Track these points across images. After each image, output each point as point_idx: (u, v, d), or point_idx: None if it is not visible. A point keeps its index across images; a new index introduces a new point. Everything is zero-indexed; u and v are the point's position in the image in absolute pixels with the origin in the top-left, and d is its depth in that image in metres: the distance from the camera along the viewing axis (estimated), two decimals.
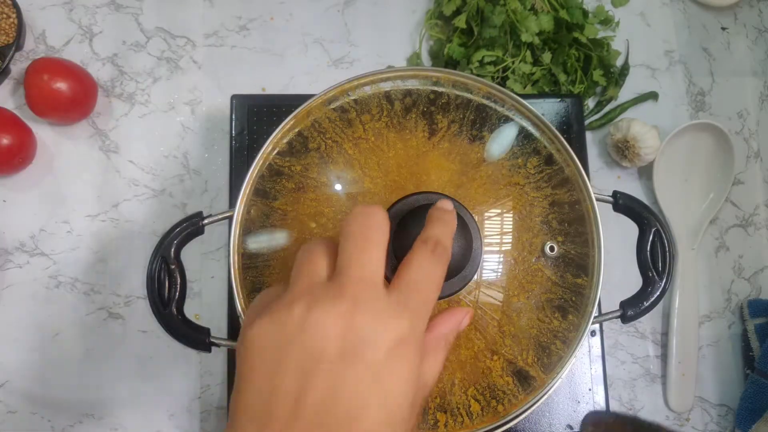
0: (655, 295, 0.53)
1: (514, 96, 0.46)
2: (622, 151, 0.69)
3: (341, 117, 0.46)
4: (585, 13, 0.71)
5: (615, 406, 0.67)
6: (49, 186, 0.67)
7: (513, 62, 0.68)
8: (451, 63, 0.70)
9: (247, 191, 0.45)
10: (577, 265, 0.46)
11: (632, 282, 0.52)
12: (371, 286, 0.27)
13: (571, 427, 0.60)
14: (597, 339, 0.62)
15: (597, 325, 0.61)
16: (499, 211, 0.45)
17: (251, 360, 0.27)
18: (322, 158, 0.46)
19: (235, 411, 0.27)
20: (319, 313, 0.26)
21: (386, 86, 0.47)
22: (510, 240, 0.45)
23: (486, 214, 0.45)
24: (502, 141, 0.47)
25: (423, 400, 0.29)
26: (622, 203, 0.55)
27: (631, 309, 0.52)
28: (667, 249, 0.53)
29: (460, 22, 0.69)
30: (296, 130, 0.46)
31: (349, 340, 0.26)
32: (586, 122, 0.72)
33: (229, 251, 0.44)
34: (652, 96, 0.74)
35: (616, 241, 0.61)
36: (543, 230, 0.46)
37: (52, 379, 0.64)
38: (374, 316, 0.26)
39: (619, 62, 0.74)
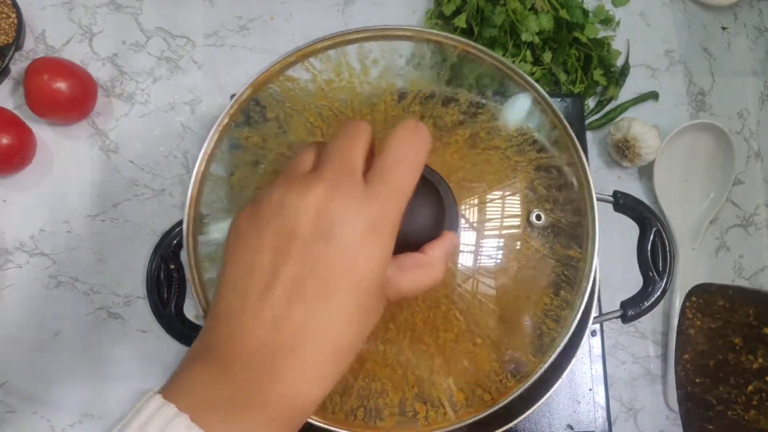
0: (656, 295, 0.53)
1: (493, 54, 0.43)
2: (622, 151, 0.69)
3: (302, 83, 0.43)
4: (585, 13, 0.71)
5: (615, 406, 0.67)
6: (49, 186, 0.67)
7: (513, 62, 0.68)
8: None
9: (202, 168, 0.42)
10: (569, 235, 0.42)
11: (632, 282, 0.52)
12: (348, 173, 0.28)
13: (571, 427, 0.60)
14: (597, 339, 0.61)
15: (597, 325, 0.61)
16: (477, 177, 0.42)
17: (235, 242, 0.29)
18: (281, 128, 0.42)
19: (219, 286, 0.29)
20: (294, 196, 0.28)
21: (352, 49, 0.43)
22: (491, 209, 0.41)
23: (463, 181, 0.41)
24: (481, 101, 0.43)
25: (391, 299, 0.31)
26: (623, 203, 0.55)
27: (631, 309, 0.52)
28: (667, 249, 0.53)
29: (460, 21, 0.68)
30: (254, 99, 0.42)
31: (323, 221, 0.27)
32: (586, 122, 0.72)
33: (183, 235, 0.41)
34: (652, 96, 0.74)
35: (616, 240, 0.61)
36: (528, 197, 0.42)
37: (52, 379, 0.64)
38: (347, 200, 0.28)
39: (619, 62, 0.74)
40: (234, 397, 0.26)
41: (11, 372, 0.64)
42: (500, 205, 0.41)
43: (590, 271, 0.41)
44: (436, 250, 0.33)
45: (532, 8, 0.68)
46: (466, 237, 0.40)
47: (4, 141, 0.62)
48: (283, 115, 0.42)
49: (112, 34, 0.71)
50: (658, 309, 0.69)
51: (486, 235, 0.41)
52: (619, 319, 0.55)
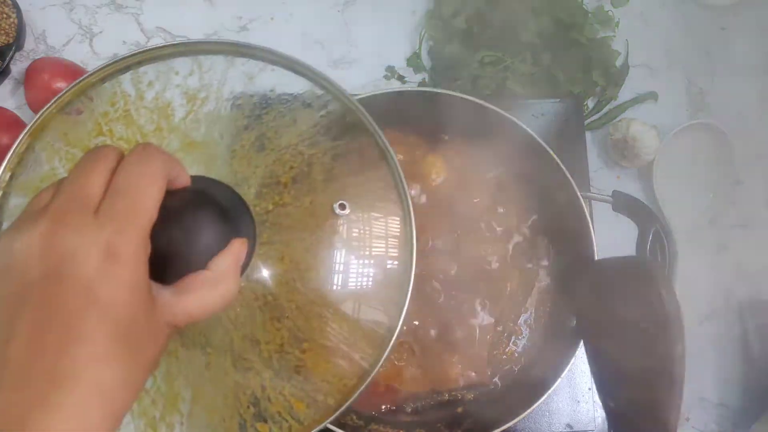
0: None
1: (266, 48, 0.41)
2: (621, 152, 0.69)
3: (78, 121, 0.41)
4: (585, 14, 0.71)
5: None
6: None
7: (513, 62, 0.68)
8: (451, 63, 0.70)
9: None
10: (383, 220, 0.40)
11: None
12: (77, 202, 0.26)
13: (570, 427, 0.60)
14: None
15: None
16: (271, 179, 0.39)
17: None
18: (63, 172, 0.39)
19: None
20: (20, 239, 0.26)
21: (125, 77, 0.41)
22: (291, 209, 0.39)
23: (256, 186, 0.39)
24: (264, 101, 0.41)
25: (179, 325, 0.29)
26: (622, 203, 0.55)
27: None
28: (666, 249, 0.53)
29: (460, 22, 0.69)
30: (34, 148, 0.40)
31: (52, 258, 0.25)
32: (586, 122, 0.72)
33: None
34: (652, 96, 0.74)
35: (615, 241, 0.61)
36: (328, 189, 0.40)
37: None
38: (76, 230, 0.26)
39: (618, 62, 0.74)
40: None
41: None
42: (301, 202, 0.39)
43: (411, 255, 0.38)
44: (221, 263, 0.31)
45: (532, 9, 0.68)
46: (267, 243, 0.37)
47: (5, 141, 0.62)
48: (63, 158, 0.40)
49: (112, 34, 0.71)
50: None
51: (291, 235, 0.39)
52: None
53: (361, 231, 0.40)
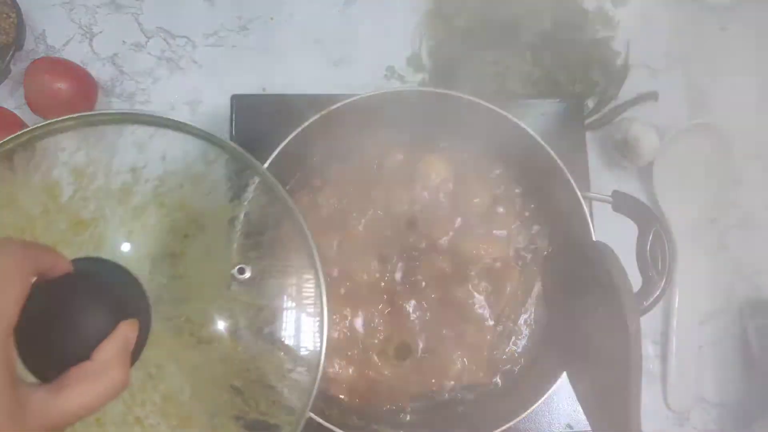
0: (655, 295, 0.53)
1: (155, 114, 0.40)
2: (621, 151, 0.69)
3: None
4: (585, 14, 0.71)
5: None
6: None
7: (513, 62, 0.68)
8: (451, 63, 0.70)
9: None
10: (290, 278, 0.38)
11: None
12: None
13: (570, 427, 0.60)
14: None
15: None
16: (164, 251, 0.37)
17: None
18: None
19: None
20: None
21: (9, 160, 0.38)
22: (188, 278, 0.37)
23: (149, 260, 0.37)
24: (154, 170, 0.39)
25: (58, 427, 0.27)
26: (622, 203, 0.55)
27: None
28: (666, 249, 0.53)
29: (461, 22, 0.69)
30: None
31: None
32: (586, 122, 0.72)
33: None
34: (652, 96, 0.74)
35: (615, 241, 0.61)
36: (226, 254, 0.38)
37: None
38: None
39: (619, 62, 0.74)
40: None
41: None
42: (197, 271, 0.37)
43: (323, 314, 0.36)
44: (106, 350, 0.28)
45: (532, 9, 0.68)
46: (168, 316, 0.35)
47: None
48: None
49: (112, 34, 0.71)
50: (658, 309, 0.69)
51: (190, 307, 0.37)
52: None
53: (267, 291, 0.38)
